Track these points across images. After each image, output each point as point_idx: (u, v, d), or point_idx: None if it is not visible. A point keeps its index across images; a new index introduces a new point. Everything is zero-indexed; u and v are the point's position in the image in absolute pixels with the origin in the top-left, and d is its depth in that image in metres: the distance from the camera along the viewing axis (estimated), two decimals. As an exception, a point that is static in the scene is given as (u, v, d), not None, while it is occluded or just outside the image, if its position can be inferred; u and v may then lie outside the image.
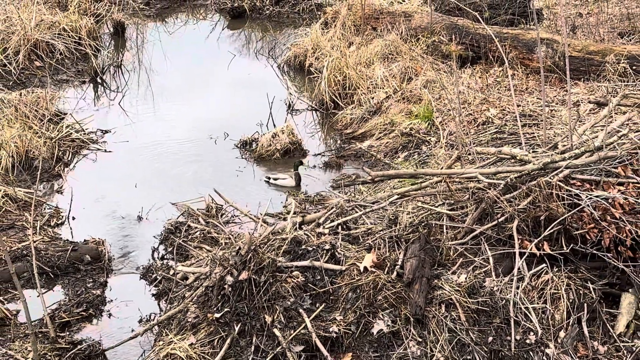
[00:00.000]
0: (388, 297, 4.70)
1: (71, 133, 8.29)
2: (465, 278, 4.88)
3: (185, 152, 8.15)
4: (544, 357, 4.49)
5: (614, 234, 4.67)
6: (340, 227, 5.52)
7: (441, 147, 7.43)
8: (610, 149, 5.29)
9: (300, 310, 4.69)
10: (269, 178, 7.47)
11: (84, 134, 8.40)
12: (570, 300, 4.72)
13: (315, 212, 6.04)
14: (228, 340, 4.59)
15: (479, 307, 4.70)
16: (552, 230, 4.83)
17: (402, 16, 10.23)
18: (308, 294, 4.79)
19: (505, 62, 7.55)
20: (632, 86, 7.69)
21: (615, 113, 6.84)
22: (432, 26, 9.71)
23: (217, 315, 4.68)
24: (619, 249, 4.72)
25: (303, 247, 5.09)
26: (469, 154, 6.38)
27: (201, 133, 8.50)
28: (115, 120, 8.93)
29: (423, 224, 5.31)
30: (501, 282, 4.85)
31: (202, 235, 6.28)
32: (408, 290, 4.73)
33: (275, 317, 4.64)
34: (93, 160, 8.03)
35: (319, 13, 11.61)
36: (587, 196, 4.81)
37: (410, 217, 5.46)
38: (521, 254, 4.87)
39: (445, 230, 5.35)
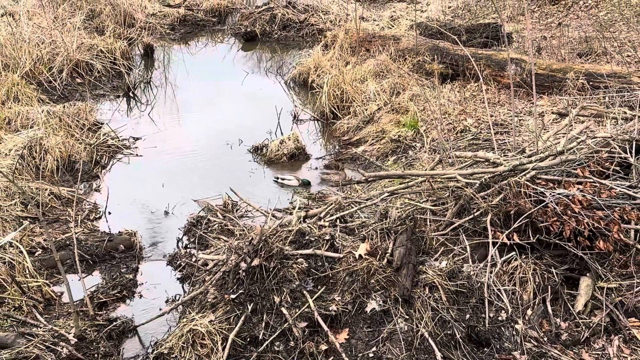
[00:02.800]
0: (380, 281, 4.70)
1: (107, 140, 8.29)
2: (446, 264, 4.87)
3: (205, 156, 8.14)
4: (514, 332, 4.49)
5: (573, 226, 4.66)
6: (338, 220, 5.51)
7: (425, 152, 7.42)
8: (571, 153, 5.28)
9: (304, 292, 4.69)
10: (278, 178, 7.46)
11: (119, 140, 8.39)
12: (536, 283, 4.71)
13: (317, 208, 6.04)
14: (242, 318, 4.59)
15: (458, 289, 4.70)
16: (520, 223, 4.82)
17: (391, 39, 10.23)
18: (311, 277, 4.79)
19: (480, 78, 7.54)
20: (589, 99, 7.68)
21: (575, 122, 6.83)
22: (417, 48, 9.70)
23: (233, 296, 4.67)
24: (578, 239, 4.71)
25: (306, 237, 5.09)
26: (449, 158, 6.38)
27: (219, 140, 8.49)
28: (145, 129, 8.92)
29: (410, 218, 5.31)
30: (477, 267, 4.84)
31: (220, 227, 6.28)
32: (397, 274, 4.72)
33: (282, 298, 4.64)
34: (126, 164, 8.02)
35: (320, 37, 11.61)
36: (550, 194, 4.80)
37: (398, 212, 5.45)
38: (494, 244, 4.87)
39: (428, 223, 5.34)
